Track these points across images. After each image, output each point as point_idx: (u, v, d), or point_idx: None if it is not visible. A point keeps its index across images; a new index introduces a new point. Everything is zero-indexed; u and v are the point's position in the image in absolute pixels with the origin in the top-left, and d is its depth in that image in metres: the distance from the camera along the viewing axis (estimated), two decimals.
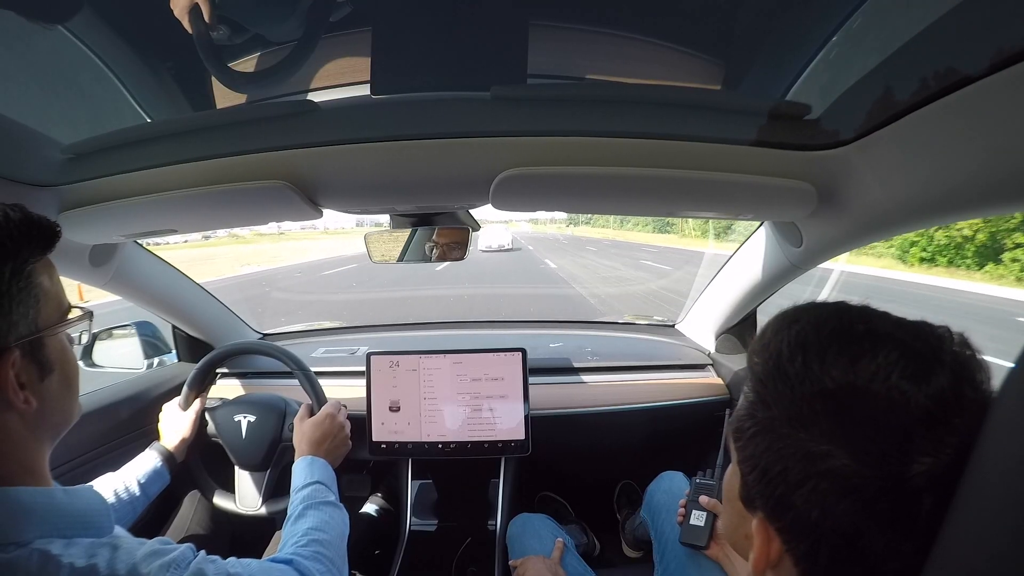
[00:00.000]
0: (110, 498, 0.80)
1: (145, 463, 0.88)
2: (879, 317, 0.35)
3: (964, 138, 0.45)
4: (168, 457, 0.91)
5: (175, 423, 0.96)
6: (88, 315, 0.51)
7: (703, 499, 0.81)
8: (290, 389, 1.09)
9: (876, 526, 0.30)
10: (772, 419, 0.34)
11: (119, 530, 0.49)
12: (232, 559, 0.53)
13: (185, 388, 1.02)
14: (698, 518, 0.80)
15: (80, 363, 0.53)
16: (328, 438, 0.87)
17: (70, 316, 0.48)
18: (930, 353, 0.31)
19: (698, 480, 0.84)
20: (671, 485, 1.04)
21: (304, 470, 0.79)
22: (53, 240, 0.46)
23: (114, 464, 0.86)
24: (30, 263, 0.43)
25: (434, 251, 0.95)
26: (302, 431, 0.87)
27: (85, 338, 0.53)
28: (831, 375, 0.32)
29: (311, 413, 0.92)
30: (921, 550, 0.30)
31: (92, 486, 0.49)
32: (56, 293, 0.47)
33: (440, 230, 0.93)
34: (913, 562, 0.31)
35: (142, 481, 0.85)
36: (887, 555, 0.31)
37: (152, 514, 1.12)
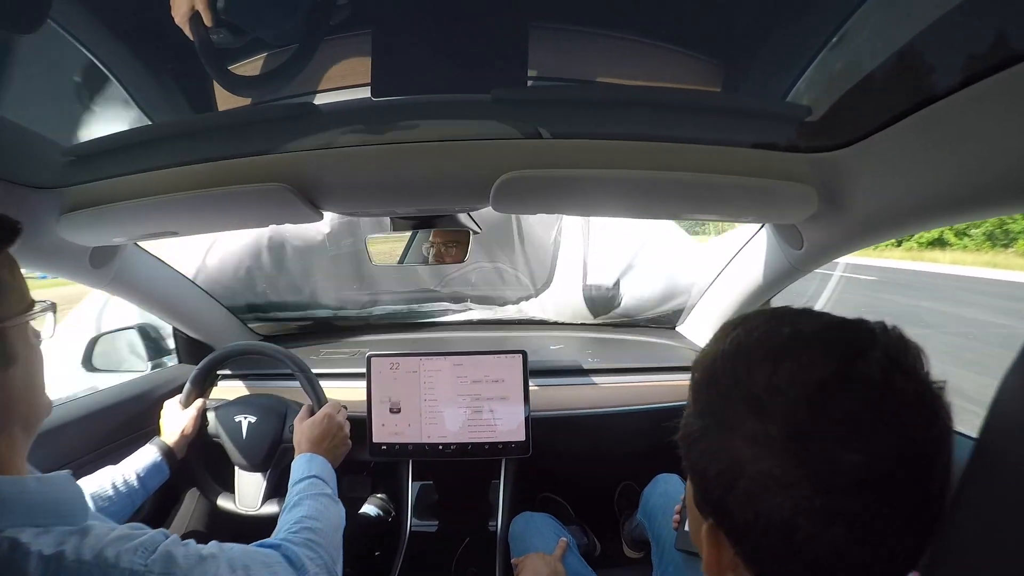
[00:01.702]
0: (108, 490, 0.80)
1: (145, 457, 0.88)
2: (811, 319, 0.35)
3: (965, 139, 0.45)
4: (168, 452, 0.91)
5: (176, 420, 0.96)
6: (51, 307, 0.52)
7: None
8: (291, 390, 1.09)
9: (811, 523, 0.30)
10: (706, 427, 0.35)
11: (96, 517, 0.48)
12: (213, 542, 0.52)
13: (186, 387, 1.02)
14: None
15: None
16: (328, 437, 0.87)
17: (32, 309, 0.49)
18: (854, 350, 0.31)
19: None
20: (667, 488, 1.04)
21: (302, 466, 0.79)
22: (13, 235, 0.47)
23: (114, 463, 0.86)
24: None
25: (434, 253, 0.95)
26: (302, 431, 0.87)
27: (49, 333, 0.53)
28: (755, 380, 0.32)
29: (311, 413, 0.92)
30: (872, 548, 0.30)
31: (67, 474, 0.49)
32: (18, 287, 0.48)
33: (441, 233, 0.93)
34: (865, 560, 0.30)
35: (141, 474, 0.85)
36: (832, 553, 0.30)
37: (153, 512, 1.13)
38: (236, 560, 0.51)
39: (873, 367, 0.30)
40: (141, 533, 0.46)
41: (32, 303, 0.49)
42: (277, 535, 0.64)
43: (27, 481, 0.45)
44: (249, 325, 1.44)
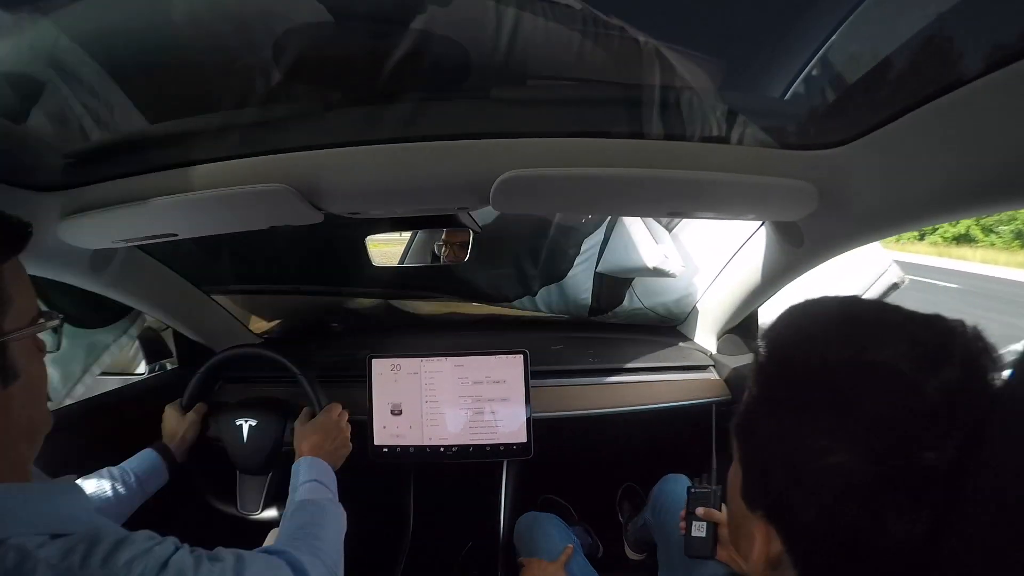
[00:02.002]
0: (107, 492, 0.80)
1: (144, 460, 0.88)
2: (891, 309, 0.34)
3: (965, 136, 0.45)
4: (168, 456, 0.91)
5: (176, 424, 0.96)
6: (60, 320, 0.50)
7: (700, 510, 0.80)
8: (291, 393, 1.09)
9: (875, 527, 0.29)
10: (774, 413, 0.33)
11: (104, 522, 0.48)
12: (220, 549, 0.52)
13: (187, 391, 1.02)
14: (699, 529, 0.79)
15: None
16: (329, 440, 0.87)
17: (39, 322, 0.47)
18: (940, 345, 0.30)
19: (694, 489, 0.83)
20: (675, 487, 1.04)
21: (304, 469, 0.79)
22: (23, 241, 0.45)
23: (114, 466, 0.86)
24: None
25: (435, 254, 0.95)
26: (303, 433, 0.87)
27: (57, 346, 0.51)
28: (836, 365, 0.31)
29: (312, 416, 0.92)
30: (921, 549, 0.29)
31: (73, 479, 0.48)
32: (24, 297, 0.46)
33: (441, 233, 0.93)
34: (914, 561, 0.30)
35: (141, 477, 0.85)
36: (887, 555, 0.30)
37: (153, 514, 1.12)
38: (243, 568, 0.51)
39: (956, 366, 0.29)
40: (152, 542, 0.45)
41: (38, 316, 0.47)
42: (280, 541, 0.64)
43: (32, 488, 0.44)
44: (247, 327, 1.43)
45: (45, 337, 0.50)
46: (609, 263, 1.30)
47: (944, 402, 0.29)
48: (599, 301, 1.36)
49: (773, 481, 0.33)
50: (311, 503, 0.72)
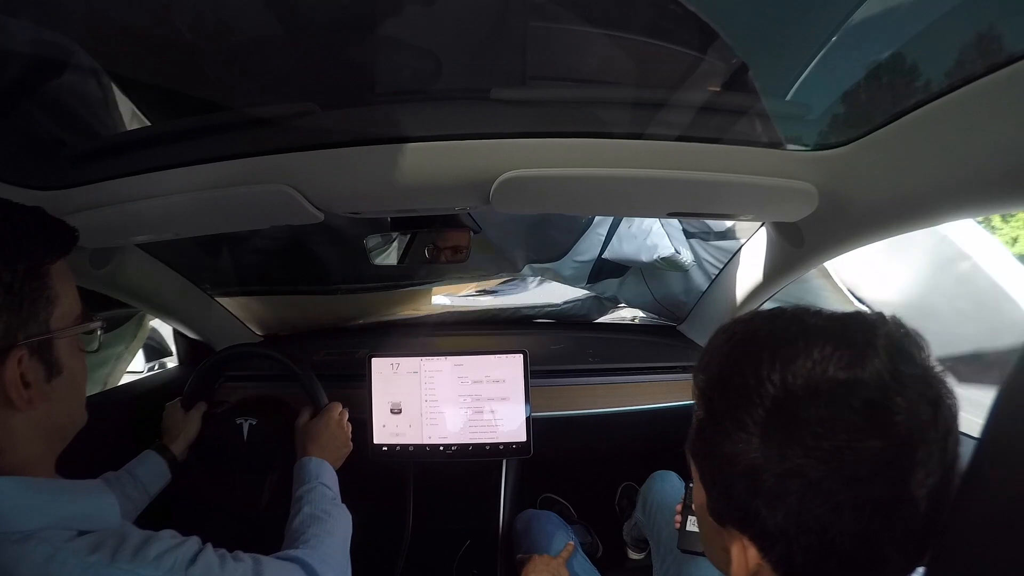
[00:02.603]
0: None
1: (145, 461, 0.88)
2: (811, 315, 0.35)
3: (965, 137, 0.45)
4: (170, 457, 0.91)
5: (176, 423, 0.96)
6: (101, 324, 0.51)
7: None
8: (291, 392, 1.09)
9: (841, 519, 0.31)
10: (724, 432, 0.34)
11: (126, 523, 0.48)
12: (239, 552, 0.53)
13: (187, 390, 1.02)
14: (694, 523, 0.79)
15: None
16: (330, 439, 0.87)
17: (83, 322, 0.49)
18: (862, 339, 0.32)
19: (691, 485, 0.83)
20: (663, 485, 1.04)
21: (306, 471, 0.79)
22: (70, 243, 0.47)
23: (115, 465, 0.86)
24: (45, 264, 0.44)
25: (435, 254, 0.95)
26: (303, 433, 0.87)
27: (96, 346, 0.53)
28: (771, 381, 0.32)
29: (312, 415, 0.92)
30: (890, 534, 0.31)
31: (100, 482, 0.49)
32: (70, 298, 0.47)
33: (441, 232, 0.93)
34: (894, 547, 0.31)
35: (144, 479, 0.85)
36: (859, 545, 0.31)
37: (154, 515, 1.12)
38: (261, 570, 0.52)
39: (882, 356, 0.31)
40: (179, 540, 0.46)
41: (81, 316, 0.49)
42: (289, 546, 0.64)
43: (60, 485, 0.45)
44: (248, 325, 1.44)
45: (85, 340, 0.52)
46: (616, 251, 1.31)
47: (878, 392, 0.30)
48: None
49: (737, 495, 0.34)
50: (319, 508, 0.72)
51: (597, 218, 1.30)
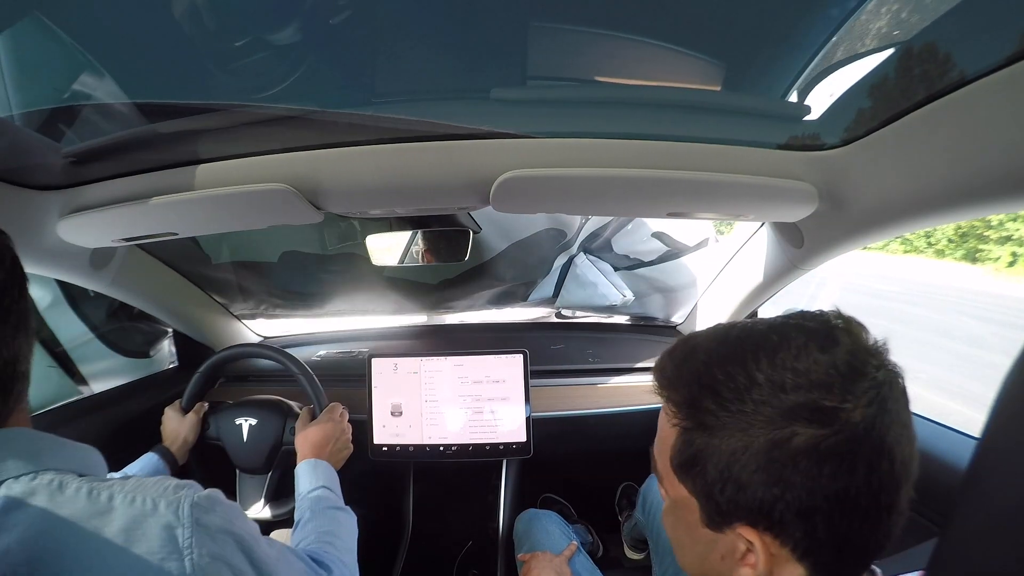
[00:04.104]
0: None
1: (146, 465, 0.88)
2: (760, 320, 0.40)
3: (965, 136, 0.45)
4: (170, 459, 0.91)
5: (176, 425, 0.96)
6: None
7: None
8: (291, 392, 1.09)
9: (856, 478, 0.33)
10: (720, 432, 0.36)
11: None
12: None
13: (187, 391, 1.02)
14: None
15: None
16: (331, 441, 0.87)
17: None
18: (826, 326, 0.37)
19: None
20: None
21: (308, 474, 0.79)
22: None
23: (114, 467, 0.86)
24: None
25: (434, 253, 0.95)
26: (304, 435, 0.87)
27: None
28: (762, 372, 0.35)
29: (313, 416, 0.92)
30: (894, 488, 0.34)
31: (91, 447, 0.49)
32: None
33: (441, 232, 0.93)
34: (891, 496, 0.34)
35: None
36: (872, 498, 0.34)
37: None
38: (275, 543, 0.52)
39: (844, 334, 0.36)
40: (180, 480, 0.46)
41: None
42: (297, 548, 0.63)
43: (65, 440, 0.46)
44: (244, 321, 1.44)
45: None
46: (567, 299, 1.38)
47: (855, 360, 0.35)
48: None
49: (752, 490, 0.35)
50: (323, 513, 0.72)
51: (556, 262, 1.35)
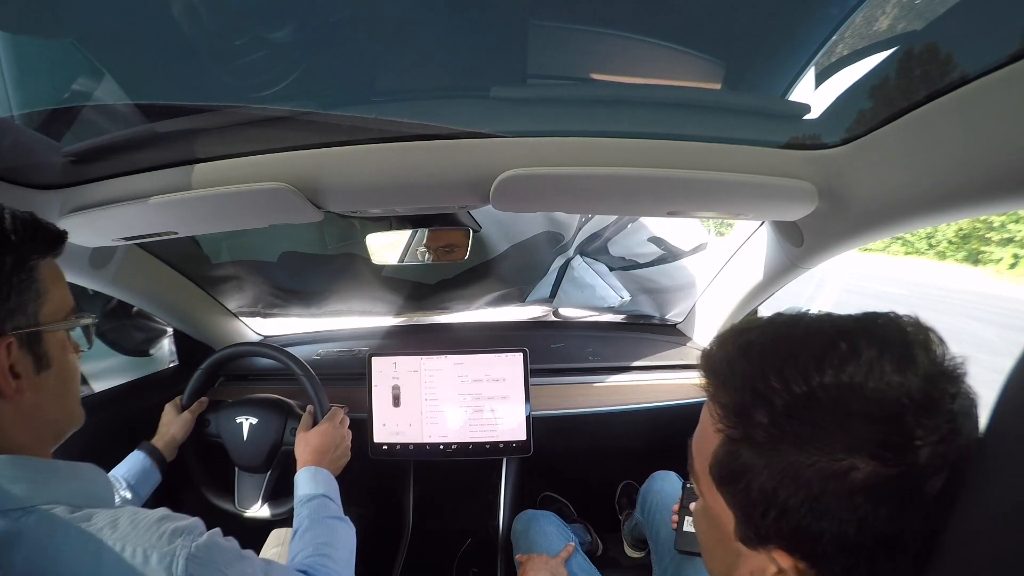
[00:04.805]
0: None
1: (133, 464, 0.87)
2: (827, 318, 0.35)
3: (965, 135, 0.45)
4: (157, 457, 0.90)
5: (168, 421, 0.97)
6: (92, 322, 0.53)
7: (693, 506, 0.80)
8: (292, 391, 1.09)
9: (913, 519, 0.30)
10: (765, 451, 0.32)
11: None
12: (250, 551, 0.52)
13: (187, 388, 1.02)
14: (690, 524, 0.79)
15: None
16: (331, 448, 0.86)
17: (73, 318, 0.50)
18: (902, 339, 0.32)
19: (689, 485, 0.83)
20: (663, 485, 1.04)
21: (308, 482, 0.78)
22: (58, 242, 0.48)
23: (110, 465, 0.86)
24: (33, 259, 0.45)
25: (435, 252, 0.95)
26: (305, 441, 0.87)
27: (86, 346, 0.54)
28: (824, 389, 0.31)
29: (314, 422, 0.92)
30: (936, 533, 0.31)
31: (95, 465, 0.50)
32: (60, 295, 0.48)
33: (441, 232, 0.93)
34: (937, 537, 0.31)
35: (132, 482, 0.84)
36: (919, 546, 0.31)
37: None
38: (272, 572, 0.52)
39: (922, 352, 0.31)
40: (182, 517, 0.46)
41: (72, 313, 0.50)
42: (294, 559, 0.64)
43: (59, 464, 0.46)
44: (244, 320, 1.44)
45: (79, 340, 0.53)
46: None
47: (933, 388, 0.30)
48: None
49: (796, 514, 0.32)
50: (322, 522, 0.71)
51: (553, 264, 1.35)
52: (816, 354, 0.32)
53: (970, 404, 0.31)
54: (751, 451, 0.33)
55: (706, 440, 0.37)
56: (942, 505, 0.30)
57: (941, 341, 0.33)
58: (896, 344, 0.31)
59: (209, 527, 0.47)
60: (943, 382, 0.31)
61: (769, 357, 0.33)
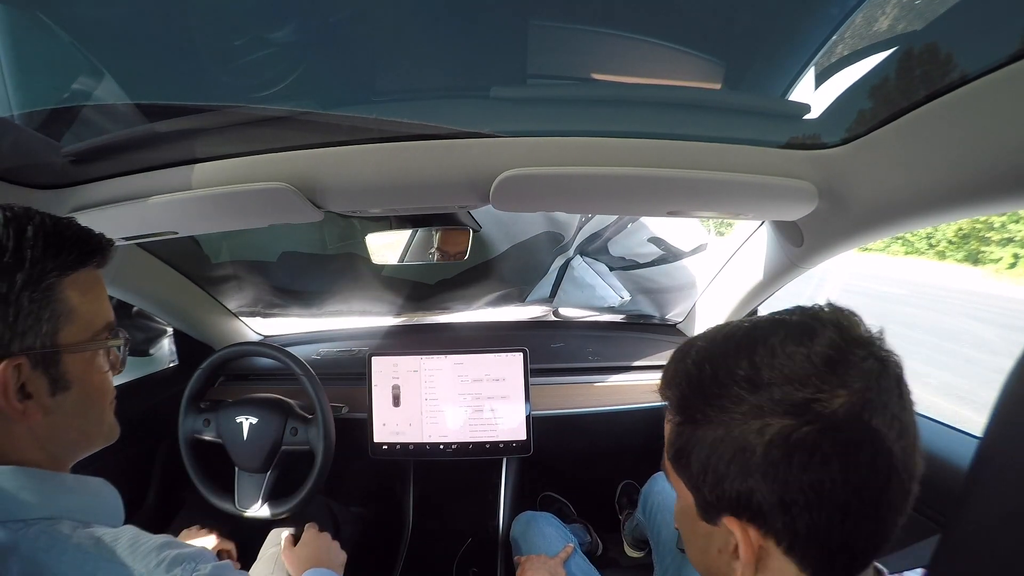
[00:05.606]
0: None
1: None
2: (752, 319, 0.41)
3: (965, 135, 0.45)
4: None
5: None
6: (123, 343, 0.49)
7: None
8: (292, 391, 1.09)
9: (830, 470, 0.33)
10: (705, 426, 0.38)
11: (133, 526, 0.48)
12: None
13: (188, 388, 1.02)
14: None
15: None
16: (324, 552, 0.85)
17: (105, 338, 0.46)
18: (808, 320, 0.37)
19: None
20: (665, 485, 1.04)
21: None
22: (90, 257, 0.44)
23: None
24: (50, 276, 0.41)
25: (434, 252, 0.95)
26: (297, 557, 0.84)
27: (122, 367, 0.51)
28: (741, 369, 0.36)
29: (295, 539, 0.89)
30: (876, 480, 0.34)
31: (103, 480, 0.48)
32: (92, 310, 0.45)
33: (440, 231, 0.93)
34: (876, 497, 0.34)
35: None
36: (851, 496, 0.33)
37: (156, 512, 1.12)
38: None
39: (829, 327, 0.36)
40: (184, 545, 0.44)
41: (99, 331, 0.46)
42: None
43: (66, 478, 0.44)
44: (244, 319, 1.44)
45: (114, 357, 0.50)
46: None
47: (834, 351, 0.35)
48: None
49: (731, 479, 0.36)
50: None
51: (553, 264, 1.35)
52: (734, 345, 0.38)
53: (884, 364, 0.35)
54: (690, 429, 0.39)
55: (667, 434, 0.44)
56: (868, 460, 0.33)
57: (853, 317, 0.38)
58: (799, 326, 0.37)
59: (210, 527, 0.46)
60: (849, 346, 0.35)
61: (702, 354, 0.40)
